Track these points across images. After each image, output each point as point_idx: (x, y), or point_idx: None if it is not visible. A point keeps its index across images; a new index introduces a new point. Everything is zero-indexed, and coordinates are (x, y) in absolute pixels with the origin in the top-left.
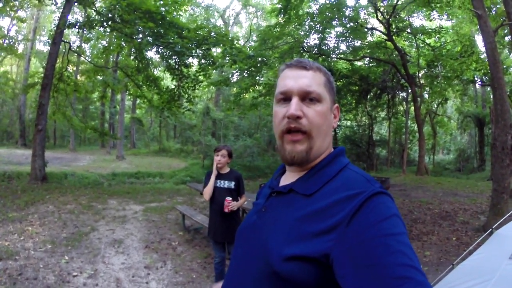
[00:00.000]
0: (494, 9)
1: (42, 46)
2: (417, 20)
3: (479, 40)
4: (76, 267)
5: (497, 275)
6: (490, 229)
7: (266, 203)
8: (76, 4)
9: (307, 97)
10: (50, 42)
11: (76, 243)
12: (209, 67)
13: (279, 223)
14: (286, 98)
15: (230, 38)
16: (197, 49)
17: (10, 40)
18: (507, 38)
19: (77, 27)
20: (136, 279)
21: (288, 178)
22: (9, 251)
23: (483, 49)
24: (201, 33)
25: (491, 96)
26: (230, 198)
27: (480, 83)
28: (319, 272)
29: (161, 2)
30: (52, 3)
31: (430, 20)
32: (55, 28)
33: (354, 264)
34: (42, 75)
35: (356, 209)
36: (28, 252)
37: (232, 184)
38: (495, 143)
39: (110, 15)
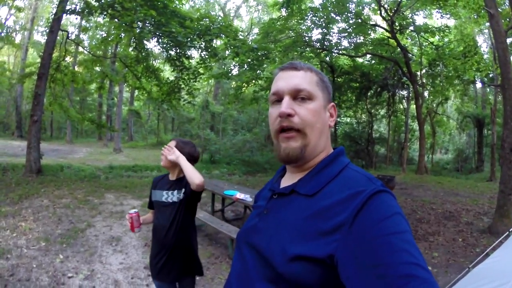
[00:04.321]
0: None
1: (40, 36)
2: (421, 18)
3: (480, 40)
4: (71, 267)
5: None
6: (508, 232)
7: (268, 205)
8: None
9: (298, 95)
10: (47, 30)
11: (72, 240)
12: (211, 59)
13: (282, 224)
14: (279, 99)
15: (233, 30)
16: (200, 40)
17: (8, 30)
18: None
19: (76, 13)
20: (135, 281)
21: (288, 180)
22: (0, 249)
23: (486, 50)
24: (204, 23)
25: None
26: (134, 210)
27: (481, 83)
28: (324, 273)
29: None
30: None
31: (432, 19)
32: (53, 16)
33: (359, 265)
34: (39, 64)
35: (358, 209)
36: (20, 250)
37: (181, 194)
38: (503, 144)
39: (109, 2)
